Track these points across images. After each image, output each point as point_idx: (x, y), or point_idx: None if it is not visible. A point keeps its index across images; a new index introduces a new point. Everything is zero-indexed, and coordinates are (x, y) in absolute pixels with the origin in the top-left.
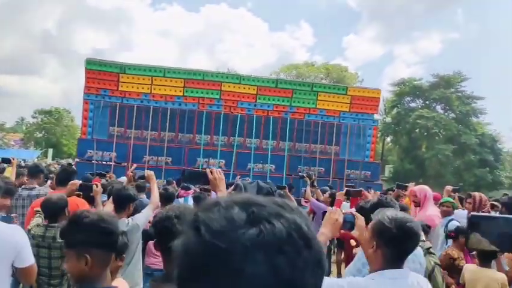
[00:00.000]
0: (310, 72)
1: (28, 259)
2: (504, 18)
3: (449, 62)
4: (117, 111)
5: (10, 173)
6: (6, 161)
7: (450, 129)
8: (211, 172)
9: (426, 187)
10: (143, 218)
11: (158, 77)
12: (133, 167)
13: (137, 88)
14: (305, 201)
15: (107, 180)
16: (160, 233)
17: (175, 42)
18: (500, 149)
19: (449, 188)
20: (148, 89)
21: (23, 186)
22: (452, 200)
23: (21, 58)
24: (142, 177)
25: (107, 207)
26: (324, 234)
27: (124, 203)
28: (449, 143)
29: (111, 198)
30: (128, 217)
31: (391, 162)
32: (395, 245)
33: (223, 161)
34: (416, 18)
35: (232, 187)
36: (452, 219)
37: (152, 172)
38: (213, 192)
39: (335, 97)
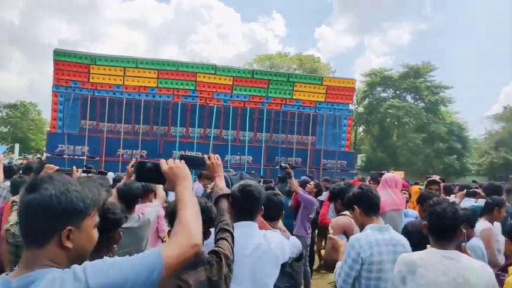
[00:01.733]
0: (284, 63)
1: None
2: (470, 8)
3: (418, 52)
4: (88, 103)
5: None
6: None
7: (420, 118)
8: (209, 158)
9: (388, 174)
10: (153, 213)
11: (131, 68)
12: (132, 161)
13: (109, 80)
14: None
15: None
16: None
17: (146, 33)
18: (467, 136)
19: (436, 177)
20: (121, 80)
21: None
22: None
23: None
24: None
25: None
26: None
27: (132, 199)
28: (419, 131)
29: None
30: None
31: (363, 152)
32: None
33: (200, 154)
34: (387, 9)
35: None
36: None
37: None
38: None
39: (311, 87)
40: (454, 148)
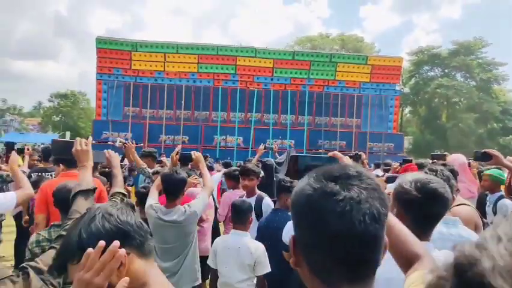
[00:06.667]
0: (325, 44)
1: None
2: None
3: (469, 28)
4: (131, 90)
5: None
6: (20, 151)
7: (471, 97)
8: (80, 143)
9: (459, 155)
10: (201, 205)
11: (171, 53)
12: (178, 148)
13: (150, 66)
14: None
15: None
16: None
17: (188, 19)
18: None
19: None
20: (162, 66)
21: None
22: (491, 173)
23: (35, 42)
24: (189, 159)
25: (153, 194)
26: None
27: (177, 189)
28: (470, 111)
29: (155, 184)
30: (183, 204)
31: (410, 134)
32: (417, 208)
33: (241, 138)
34: None
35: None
36: (502, 196)
37: (200, 154)
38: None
39: (355, 67)
40: (509, 128)
